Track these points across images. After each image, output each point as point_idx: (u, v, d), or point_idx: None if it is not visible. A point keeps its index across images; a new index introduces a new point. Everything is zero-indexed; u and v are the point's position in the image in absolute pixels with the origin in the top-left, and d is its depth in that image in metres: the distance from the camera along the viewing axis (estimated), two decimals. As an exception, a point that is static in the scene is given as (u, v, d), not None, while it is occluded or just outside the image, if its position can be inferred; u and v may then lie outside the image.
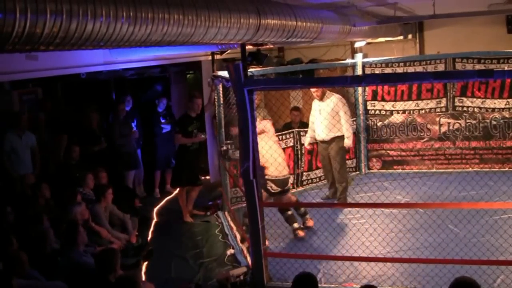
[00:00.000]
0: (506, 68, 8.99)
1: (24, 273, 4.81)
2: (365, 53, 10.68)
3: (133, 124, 9.54)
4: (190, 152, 8.47)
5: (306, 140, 8.88)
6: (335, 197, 8.56)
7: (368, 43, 10.91)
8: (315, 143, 8.89)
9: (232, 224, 7.82)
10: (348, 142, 8.35)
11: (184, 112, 8.75)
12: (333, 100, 8.41)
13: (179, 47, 7.14)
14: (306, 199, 8.56)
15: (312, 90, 8.49)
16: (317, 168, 9.49)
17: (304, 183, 9.39)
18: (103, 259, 4.94)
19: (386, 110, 9.94)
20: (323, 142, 8.54)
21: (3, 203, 6.28)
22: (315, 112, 8.57)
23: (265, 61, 9.22)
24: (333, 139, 8.38)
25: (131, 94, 10.11)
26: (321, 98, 8.43)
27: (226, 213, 8.36)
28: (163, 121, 9.80)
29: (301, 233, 7.12)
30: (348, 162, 9.93)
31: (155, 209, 8.97)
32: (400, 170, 9.96)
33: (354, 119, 9.98)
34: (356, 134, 9.92)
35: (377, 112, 10.07)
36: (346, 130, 8.32)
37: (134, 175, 9.49)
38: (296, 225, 7.15)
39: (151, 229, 8.11)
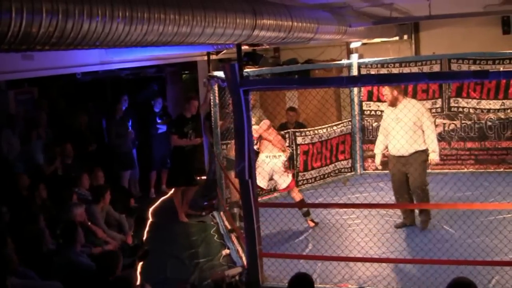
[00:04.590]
0: (501, 69, 9.00)
1: (16, 271, 4.79)
2: (360, 53, 10.68)
3: (129, 124, 9.53)
4: (186, 152, 8.47)
5: (378, 157, 7.49)
6: (414, 224, 7.17)
7: (364, 44, 10.91)
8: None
9: (227, 224, 7.82)
10: (435, 157, 6.93)
11: (179, 113, 8.75)
12: (413, 106, 6.92)
13: (175, 47, 7.13)
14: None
15: (385, 93, 7.21)
16: (313, 168, 9.48)
17: (300, 183, 9.36)
18: (107, 261, 4.96)
19: (381, 111, 9.91)
20: (400, 157, 7.03)
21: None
22: (388, 121, 7.15)
23: (260, 62, 9.17)
24: (414, 154, 6.95)
25: (127, 93, 10.10)
26: (393, 104, 7.07)
27: (221, 213, 8.36)
28: (159, 121, 9.79)
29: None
30: (344, 162, 9.96)
31: (151, 209, 8.96)
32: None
33: (350, 119, 9.99)
34: (351, 134, 9.93)
35: (373, 112, 10.04)
36: (431, 142, 6.91)
37: (129, 175, 9.48)
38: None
39: (147, 229, 8.10)
